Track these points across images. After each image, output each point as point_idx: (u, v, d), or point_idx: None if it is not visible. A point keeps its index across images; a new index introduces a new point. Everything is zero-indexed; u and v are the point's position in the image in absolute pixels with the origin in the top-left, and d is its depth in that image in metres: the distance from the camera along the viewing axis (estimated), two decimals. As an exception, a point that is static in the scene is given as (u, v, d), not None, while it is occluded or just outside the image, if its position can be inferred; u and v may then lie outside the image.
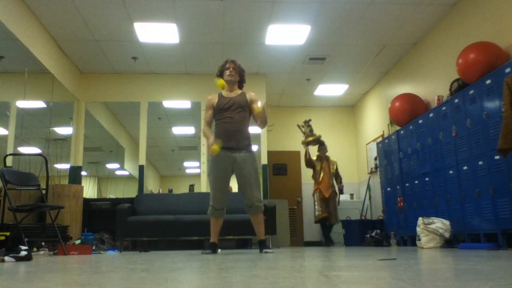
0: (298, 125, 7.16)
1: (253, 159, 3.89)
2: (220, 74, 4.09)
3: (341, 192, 7.03)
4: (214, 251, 3.87)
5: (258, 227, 3.90)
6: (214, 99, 3.99)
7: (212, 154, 3.67)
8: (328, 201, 6.66)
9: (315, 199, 6.72)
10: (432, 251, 3.62)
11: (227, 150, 3.78)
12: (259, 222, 3.89)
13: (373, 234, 6.07)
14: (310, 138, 6.88)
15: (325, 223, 6.68)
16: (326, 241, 6.79)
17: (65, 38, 6.17)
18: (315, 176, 6.86)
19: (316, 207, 6.67)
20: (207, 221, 5.66)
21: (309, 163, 6.90)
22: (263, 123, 3.92)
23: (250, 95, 4.02)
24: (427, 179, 5.30)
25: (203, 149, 7.33)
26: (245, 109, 3.93)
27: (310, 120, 7.18)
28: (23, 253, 3.01)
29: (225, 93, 4.01)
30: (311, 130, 7.01)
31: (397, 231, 6.00)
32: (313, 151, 7.15)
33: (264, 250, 3.81)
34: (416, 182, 5.55)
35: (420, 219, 4.73)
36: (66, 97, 6.93)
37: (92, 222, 6.24)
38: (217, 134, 3.86)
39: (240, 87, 4.10)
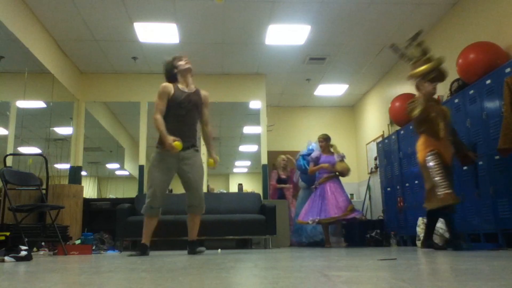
0: (393, 47, 4.21)
1: (200, 157, 3.85)
2: (171, 70, 3.82)
3: (467, 160, 4.20)
4: (144, 253, 3.63)
5: (195, 227, 3.81)
6: (171, 89, 3.73)
7: (173, 151, 3.53)
8: (448, 173, 3.84)
9: (433, 166, 3.81)
10: (432, 251, 3.62)
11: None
12: (197, 223, 3.82)
13: (373, 234, 6.06)
14: (429, 66, 3.95)
15: (445, 212, 3.89)
16: (454, 242, 3.86)
17: (65, 38, 6.17)
18: (430, 131, 3.95)
19: (437, 179, 3.77)
20: (206, 221, 5.66)
21: (424, 113, 3.92)
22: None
23: (204, 96, 3.88)
24: (427, 179, 5.29)
25: (203, 149, 7.32)
26: (198, 109, 3.83)
27: (419, 32, 4.14)
28: (23, 253, 3.01)
29: (181, 86, 3.79)
30: (425, 51, 4.05)
31: (397, 231, 6.00)
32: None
33: (198, 249, 3.74)
34: (416, 182, 5.54)
35: (420, 219, 4.73)
36: (66, 97, 6.93)
37: (92, 222, 6.23)
38: (168, 130, 3.64)
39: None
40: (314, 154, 6.10)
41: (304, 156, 6.66)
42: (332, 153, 6.05)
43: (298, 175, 6.96)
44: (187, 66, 3.82)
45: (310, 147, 6.68)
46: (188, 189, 3.77)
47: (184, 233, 3.91)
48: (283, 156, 7.32)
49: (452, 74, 5.17)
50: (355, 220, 5.91)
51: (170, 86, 3.74)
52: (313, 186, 6.12)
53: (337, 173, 5.94)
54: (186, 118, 3.73)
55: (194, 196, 3.75)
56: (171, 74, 3.82)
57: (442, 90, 5.52)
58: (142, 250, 3.64)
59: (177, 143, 3.51)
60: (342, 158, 6.00)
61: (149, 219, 3.74)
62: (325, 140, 6.08)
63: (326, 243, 5.78)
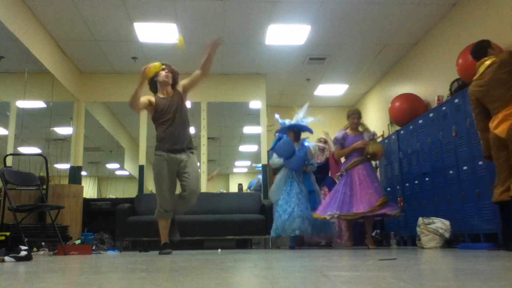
0: None
1: (196, 159, 4.01)
2: (154, 77, 4.05)
3: None
4: (169, 250, 3.92)
5: (178, 211, 3.96)
6: (152, 99, 3.95)
7: (148, 75, 3.82)
8: None
9: None
10: (432, 251, 3.62)
11: (172, 153, 3.85)
12: (181, 209, 3.95)
13: (373, 234, 6.06)
14: None
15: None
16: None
17: (65, 38, 6.17)
18: None
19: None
20: (206, 221, 5.67)
21: None
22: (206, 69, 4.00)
23: (181, 87, 4.05)
24: (427, 179, 5.29)
25: (203, 149, 7.33)
26: (183, 108, 3.99)
27: None
28: (23, 253, 3.01)
29: (161, 95, 4.00)
30: None
31: (397, 231, 6.00)
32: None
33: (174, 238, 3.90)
34: (416, 182, 5.54)
35: (420, 219, 4.73)
36: (66, 97, 6.93)
37: (92, 222, 6.23)
38: (160, 138, 3.88)
39: (173, 88, 4.09)
40: (338, 134, 5.04)
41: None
42: (360, 132, 4.99)
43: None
44: (165, 79, 3.99)
45: (281, 121, 5.60)
46: (184, 180, 3.87)
47: (184, 233, 3.93)
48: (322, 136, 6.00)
49: (452, 74, 5.18)
50: (386, 217, 4.83)
51: (148, 97, 3.97)
52: (338, 174, 5.10)
53: (368, 156, 4.85)
54: (175, 122, 3.89)
55: (189, 186, 3.83)
56: (153, 80, 4.04)
57: (442, 90, 5.53)
58: (167, 247, 3.86)
59: (153, 65, 3.81)
60: (373, 137, 4.95)
61: (164, 221, 3.94)
62: (359, 116, 5.04)
63: (347, 241, 5.00)
